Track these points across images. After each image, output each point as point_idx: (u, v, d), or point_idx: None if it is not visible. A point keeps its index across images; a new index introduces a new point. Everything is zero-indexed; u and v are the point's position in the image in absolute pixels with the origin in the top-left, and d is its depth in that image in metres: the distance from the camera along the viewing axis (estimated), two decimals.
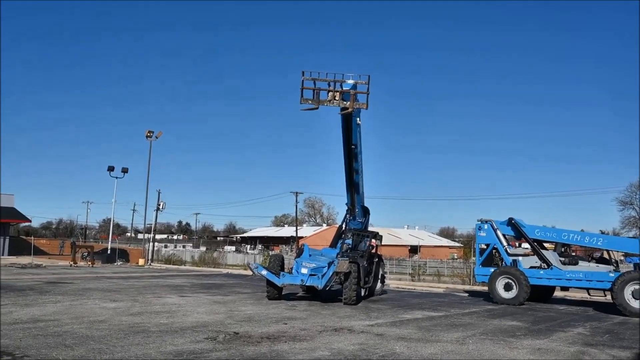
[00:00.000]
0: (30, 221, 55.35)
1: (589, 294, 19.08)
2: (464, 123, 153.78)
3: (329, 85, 16.01)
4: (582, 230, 19.72)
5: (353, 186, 18.89)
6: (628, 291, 16.18)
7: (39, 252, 45.96)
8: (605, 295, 17.93)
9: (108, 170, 43.74)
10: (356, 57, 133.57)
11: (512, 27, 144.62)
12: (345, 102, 15.95)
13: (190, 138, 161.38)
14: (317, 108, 16.07)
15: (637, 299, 16.02)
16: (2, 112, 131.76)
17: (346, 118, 16.69)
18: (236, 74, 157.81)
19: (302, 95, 16.02)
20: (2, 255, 42.19)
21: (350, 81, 15.95)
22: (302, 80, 15.99)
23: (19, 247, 45.34)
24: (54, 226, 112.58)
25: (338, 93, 15.92)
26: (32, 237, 52.71)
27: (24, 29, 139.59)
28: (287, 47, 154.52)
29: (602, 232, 22.69)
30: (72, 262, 35.05)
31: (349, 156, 17.98)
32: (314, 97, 16.03)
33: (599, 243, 18.52)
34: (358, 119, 17.14)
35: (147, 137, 43.63)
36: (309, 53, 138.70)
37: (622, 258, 21.60)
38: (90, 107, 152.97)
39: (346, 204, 19.87)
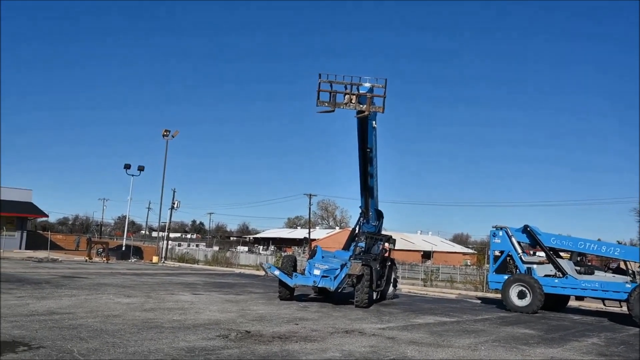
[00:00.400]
0: (47, 216, 56.15)
1: (604, 304, 18.81)
2: (480, 129, 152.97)
3: (346, 88, 16.06)
4: (598, 240, 19.48)
5: (367, 190, 18.86)
6: None
7: (55, 247, 46.59)
8: (621, 306, 17.66)
9: (124, 167, 44.11)
10: (367, 62, 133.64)
11: (527, 34, 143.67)
12: (361, 106, 15.98)
13: (205, 139, 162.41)
14: (333, 111, 16.14)
15: None
16: (6, 110, 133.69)
17: (362, 121, 16.71)
18: (249, 76, 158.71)
19: (318, 98, 16.10)
20: (20, 249, 42.82)
21: (367, 84, 15.97)
22: (319, 83, 16.10)
23: (35, 241, 45.99)
24: (70, 222, 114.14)
25: (354, 96, 15.98)
26: (49, 232, 53.43)
27: (31, 29, 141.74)
28: (306, 49, 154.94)
29: (619, 243, 22.37)
30: (87, 258, 35.47)
31: (364, 160, 17.97)
32: (330, 100, 16.10)
33: (615, 253, 18.27)
34: (374, 122, 17.17)
35: (163, 136, 43.99)
36: (328, 56, 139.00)
37: None
38: (108, 108, 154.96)
39: (360, 207, 19.85)
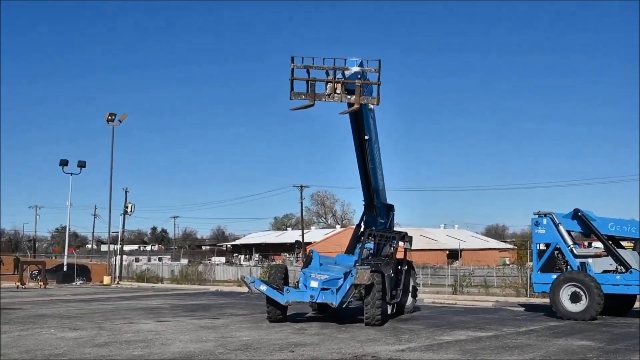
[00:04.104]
0: None
1: None
2: (507, 105, 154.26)
3: (327, 75, 15.50)
4: None
5: (369, 182, 18.87)
6: None
7: None
8: None
9: (61, 164, 44.02)
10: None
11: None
12: (349, 97, 15.44)
13: (163, 128, 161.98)
14: (312, 105, 15.60)
15: None
16: None
17: (354, 113, 16.35)
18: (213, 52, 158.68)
19: (292, 89, 15.56)
20: None
21: (355, 68, 15.37)
22: (292, 69, 15.45)
23: None
24: None
25: (339, 84, 15.41)
26: None
27: None
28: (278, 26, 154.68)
29: None
30: (19, 283, 35.45)
31: (362, 149, 17.78)
32: (308, 91, 15.56)
33: None
34: (370, 105, 16.75)
35: (107, 121, 43.88)
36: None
37: None
38: (39, 88, 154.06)
39: (363, 201, 19.91)
